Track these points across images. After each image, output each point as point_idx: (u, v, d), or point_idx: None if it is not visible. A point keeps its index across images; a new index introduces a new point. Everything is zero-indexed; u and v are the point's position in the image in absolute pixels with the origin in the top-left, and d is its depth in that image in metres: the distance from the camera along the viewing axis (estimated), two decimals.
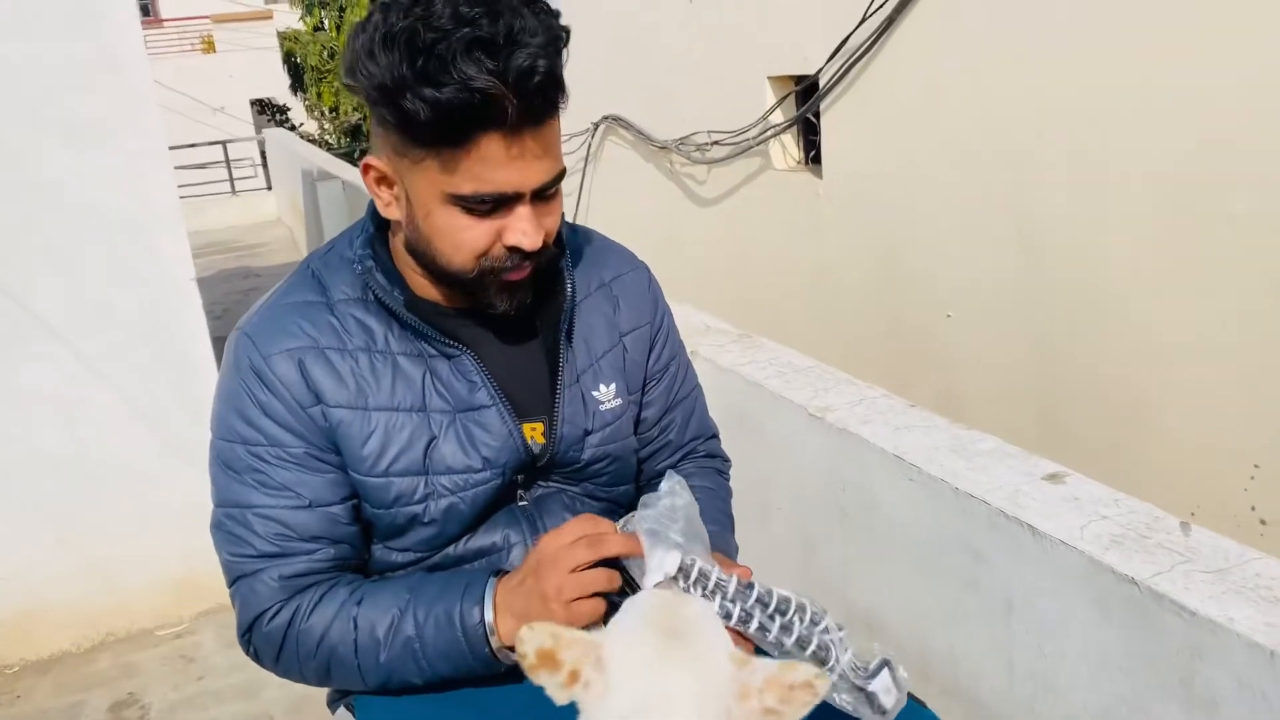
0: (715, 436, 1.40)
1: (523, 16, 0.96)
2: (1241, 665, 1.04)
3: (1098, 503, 1.33)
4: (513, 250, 1.05)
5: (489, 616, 1.05)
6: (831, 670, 0.95)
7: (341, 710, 1.27)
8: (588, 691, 0.80)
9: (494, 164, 0.98)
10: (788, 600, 0.98)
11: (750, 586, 0.98)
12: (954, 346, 4.13)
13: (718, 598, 0.96)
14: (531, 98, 0.96)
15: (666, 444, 1.33)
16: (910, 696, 1.17)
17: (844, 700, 0.95)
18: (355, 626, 1.09)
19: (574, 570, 0.99)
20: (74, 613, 2.97)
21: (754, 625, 0.97)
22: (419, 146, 0.99)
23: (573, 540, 1.01)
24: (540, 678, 0.80)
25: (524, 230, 1.03)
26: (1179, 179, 3.09)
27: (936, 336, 4.21)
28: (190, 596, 3.01)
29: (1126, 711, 1.21)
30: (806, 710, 0.79)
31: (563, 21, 1.02)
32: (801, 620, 0.97)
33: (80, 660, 2.92)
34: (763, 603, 0.97)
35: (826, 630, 0.96)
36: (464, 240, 1.04)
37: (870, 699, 0.95)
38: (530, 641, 0.80)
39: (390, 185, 1.07)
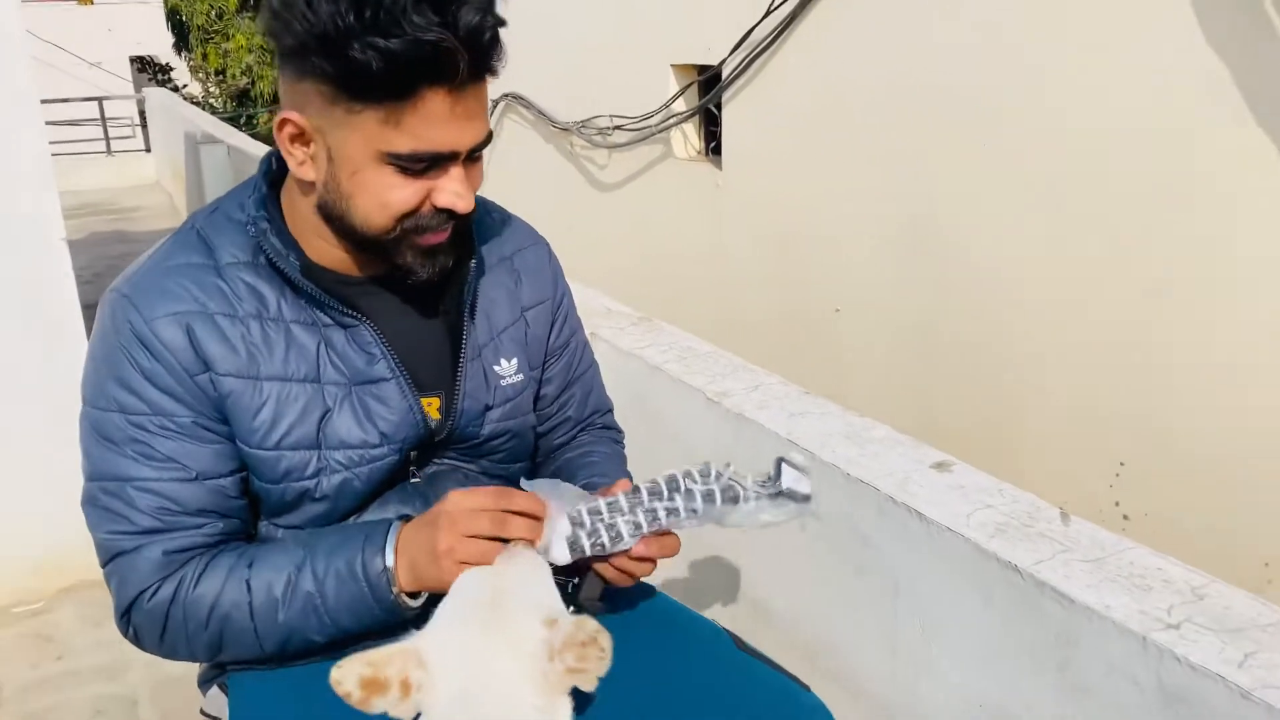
0: (610, 411, 1.40)
1: None
2: (1115, 652, 1.09)
3: (983, 491, 1.36)
4: (440, 211, 1.02)
5: (390, 562, 1.02)
6: (745, 500, 1.01)
7: (214, 690, 1.21)
8: (421, 693, 0.81)
9: (436, 120, 0.96)
10: (673, 477, 1.02)
11: (636, 490, 1.02)
12: (843, 339, 4.22)
13: (620, 519, 1.00)
14: (480, 54, 0.95)
15: (565, 419, 1.32)
16: (794, 680, 1.19)
17: (773, 516, 1.02)
18: (249, 589, 1.04)
19: (471, 536, 0.98)
20: None
21: (664, 518, 1.00)
22: (357, 99, 0.95)
23: (480, 507, 0.99)
24: (376, 706, 0.80)
25: (457, 191, 1.01)
26: (1063, 181, 3.21)
27: (827, 329, 4.30)
28: (51, 573, 2.86)
29: (1004, 696, 1.25)
30: (602, 665, 0.82)
31: None
32: (695, 481, 1.01)
33: None
34: (656, 494, 1.01)
35: (718, 475, 1.02)
36: (391, 199, 1.00)
37: (791, 496, 1.02)
38: (348, 679, 0.80)
39: (307, 143, 1.02)
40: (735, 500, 1.01)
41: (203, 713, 1.25)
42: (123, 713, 2.43)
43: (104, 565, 1.07)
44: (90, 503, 1.06)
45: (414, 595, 1.04)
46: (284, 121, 1.02)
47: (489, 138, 1.04)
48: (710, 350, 1.95)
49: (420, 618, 0.96)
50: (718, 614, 1.77)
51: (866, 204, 4.00)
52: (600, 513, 1.00)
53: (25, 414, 2.76)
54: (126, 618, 1.07)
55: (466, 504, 0.99)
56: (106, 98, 13.11)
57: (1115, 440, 3.17)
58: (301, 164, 1.03)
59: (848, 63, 3.98)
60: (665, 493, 1.00)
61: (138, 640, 1.10)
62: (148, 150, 12.20)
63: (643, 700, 1.08)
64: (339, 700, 0.81)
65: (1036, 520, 1.28)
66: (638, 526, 1.00)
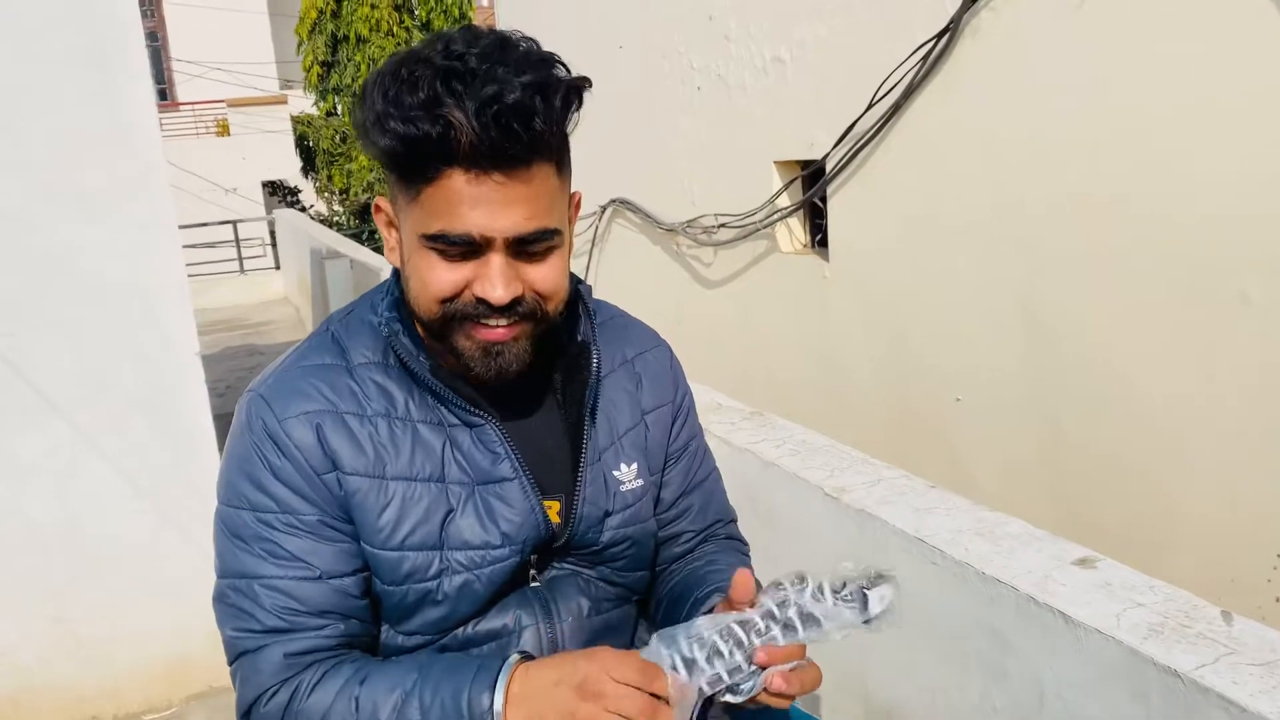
0: (734, 521, 1.35)
1: (517, 61, 0.93)
2: None
3: (1132, 589, 1.27)
4: (480, 301, 1.00)
5: (498, 704, 0.97)
6: (826, 622, 0.97)
7: None
8: None
9: (457, 202, 0.95)
10: (751, 621, 0.98)
11: (728, 633, 0.97)
12: (963, 430, 4.08)
13: (718, 664, 0.97)
14: (491, 129, 0.91)
15: (685, 529, 1.28)
16: None
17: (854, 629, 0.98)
18: (357, 708, 1.02)
19: (613, 712, 0.93)
20: (62, 695, 2.88)
21: (745, 652, 0.97)
22: (400, 183, 0.98)
23: (630, 682, 0.93)
24: None
25: (492, 281, 0.98)
26: (1189, 260, 3.08)
27: (945, 420, 4.16)
28: (180, 678, 2.92)
29: None
30: None
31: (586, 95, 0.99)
32: (776, 620, 0.98)
33: None
34: (739, 636, 0.97)
35: (787, 604, 0.98)
36: (430, 280, 1.00)
37: (881, 619, 0.98)
38: None
39: (394, 228, 1.05)
40: (817, 623, 0.98)
41: None
42: None
43: (230, 663, 1.09)
44: (220, 600, 1.08)
45: None
46: (378, 207, 1.06)
47: (545, 231, 0.99)
48: (826, 443, 1.90)
49: None
50: None
51: (979, 291, 3.91)
52: (699, 666, 0.97)
53: (152, 522, 2.87)
54: (247, 717, 1.07)
55: (616, 672, 0.94)
56: (240, 220, 13.95)
57: (1272, 528, 2.94)
58: (391, 249, 1.07)
59: (953, 151, 3.94)
60: (748, 635, 0.97)
61: None
62: (277, 267, 12.90)
63: None
64: None
65: (1195, 620, 1.18)
66: (736, 667, 0.97)
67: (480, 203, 0.95)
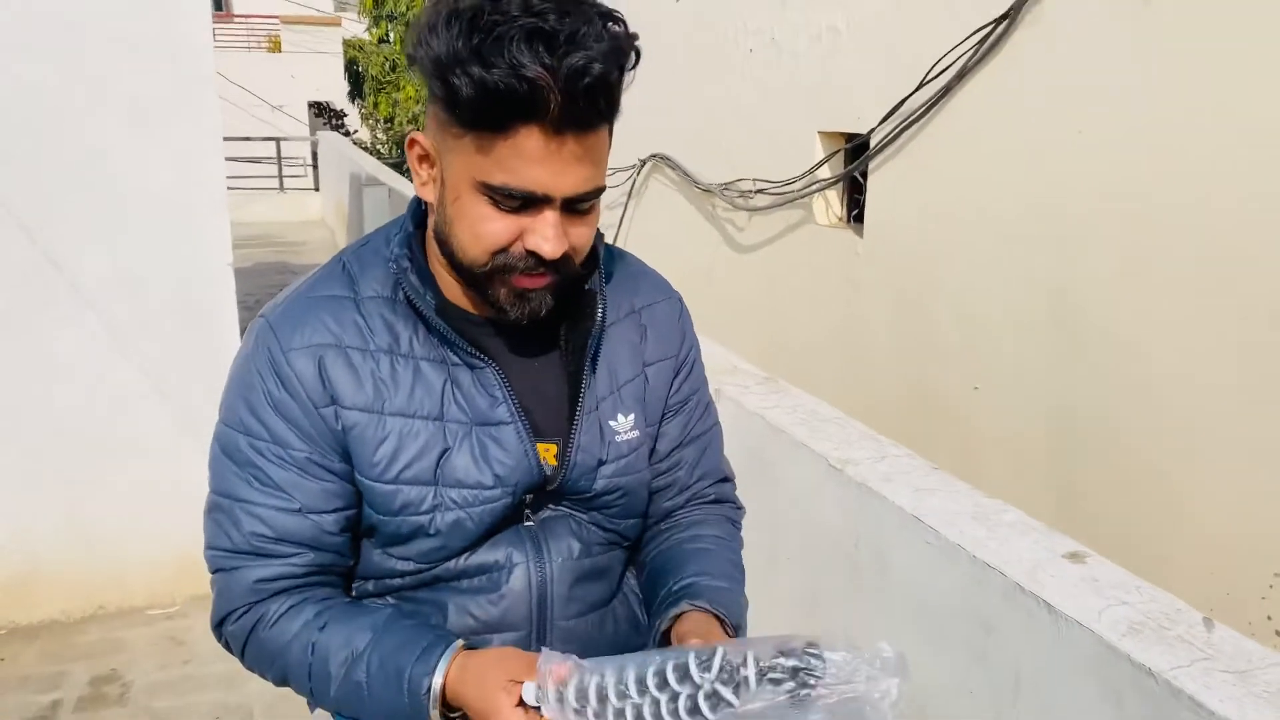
0: (727, 480, 1.35)
1: (592, 23, 0.95)
2: None
3: (1119, 587, 1.29)
4: (530, 254, 1.01)
5: (436, 685, 1.01)
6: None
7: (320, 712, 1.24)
8: None
9: (528, 159, 0.96)
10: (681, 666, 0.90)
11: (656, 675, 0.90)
12: (977, 419, 4.09)
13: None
14: (578, 99, 0.93)
15: (674, 482, 1.28)
16: None
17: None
18: (312, 652, 1.06)
19: None
20: (69, 582, 2.96)
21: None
22: (459, 125, 0.97)
23: None
24: None
25: (545, 236, 1.00)
26: (1225, 272, 3.05)
27: (961, 407, 4.17)
28: (186, 578, 3.00)
29: None
30: None
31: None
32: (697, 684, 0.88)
33: (69, 630, 2.91)
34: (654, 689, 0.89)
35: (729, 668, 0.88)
36: (484, 231, 1.01)
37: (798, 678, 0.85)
38: None
39: (431, 164, 1.05)
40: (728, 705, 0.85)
41: None
42: None
43: (211, 574, 1.13)
44: (207, 513, 1.12)
45: (456, 711, 1.03)
46: (413, 141, 1.06)
47: (598, 190, 1.02)
48: (837, 415, 1.91)
49: None
50: None
51: (1009, 283, 3.89)
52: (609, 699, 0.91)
53: (174, 425, 2.93)
54: (220, 630, 1.13)
55: None
56: (284, 139, 13.97)
57: (1273, 547, 2.95)
58: (424, 185, 1.07)
59: (998, 139, 3.90)
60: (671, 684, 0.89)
61: (229, 650, 1.15)
62: (316, 189, 12.94)
63: None
64: None
65: (1176, 623, 1.20)
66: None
67: (549, 162, 0.96)
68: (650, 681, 0.88)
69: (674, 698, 0.87)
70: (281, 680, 1.12)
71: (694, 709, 0.85)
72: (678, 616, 1.11)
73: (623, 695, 0.89)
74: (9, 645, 2.84)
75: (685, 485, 1.29)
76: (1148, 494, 3.33)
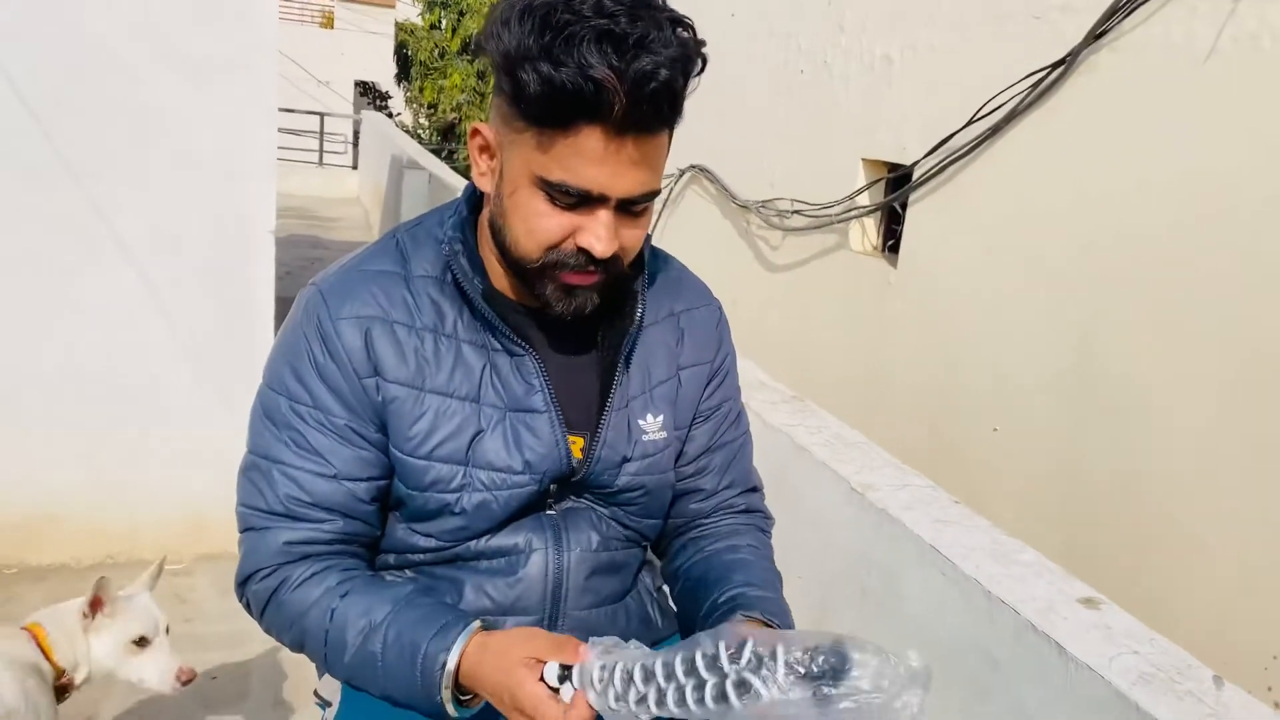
0: (756, 490, 1.35)
1: (662, 28, 0.96)
2: None
3: (1131, 637, 1.29)
4: (581, 251, 1.03)
5: (451, 664, 1.02)
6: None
7: (327, 678, 1.26)
8: None
9: (588, 158, 0.97)
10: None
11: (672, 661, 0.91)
12: (995, 461, 4.08)
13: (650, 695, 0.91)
14: (643, 102, 0.95)
15: (701, 487, 1.29)
16: None
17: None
18: (331, 619, 1.08)
19: None
20: (80, 529, 2.99)
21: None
22: (523, 119, 0.99)
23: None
24: None
25: (598, 235, 1.01)
26: (1254, 334, 3.04)
27: (978, 447, 4.16)
28: (196, 537, 3.03)
29: None
30: None
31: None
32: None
33: (76, 576, 2.94)
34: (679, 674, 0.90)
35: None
36: (537, 226, 1.02)
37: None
38: None
39: (491, 155, 1.07)
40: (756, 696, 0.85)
41: (316, 693, 1.30)
42: (236, 682, 2.54)
43: (240, 532, 1.15)
44: (243, 472, 1.14)
45: (467, 695, 1.03)
46: (475, 131, 1.08)
47: (654, 193, 1.03)
48: (861, 440, 1.92)
49: None
50: None
51: (1037, 326, 3.88)
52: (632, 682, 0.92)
53: (198, 386, 2.96)
54: (242, 589, 1.15)
55: (528, 708, 0.95)
56: (328, 114, 14.09)
57: (1276, 625, 2.93)
58: (482, 175, 1.09)
59: (1040, 184, 3.90)
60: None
61: (249, 610, 1.17)
62: (354, 167, 13.02)
63: None
64: None
65: (1186, 677, 1.20)
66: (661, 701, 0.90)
67: (609, 162, 0.98)
68: (679, 668, 0.89)
69: (700, 685, 0.87)
70: (298, 644, 1.13)
71: (720, 696, 0.85)
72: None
73: (649, 679, 0.90)
74: (16, 585, 2.87)
75: (712, 491, 1.29)
76: (1157, 552, 3.32)
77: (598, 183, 0.99)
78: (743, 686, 0.84)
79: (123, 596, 1.82)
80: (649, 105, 0.95)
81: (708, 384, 1.27)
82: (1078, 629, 1.30)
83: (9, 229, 2.74)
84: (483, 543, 1.16)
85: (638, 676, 0.91)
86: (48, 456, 2.91)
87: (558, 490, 1.17)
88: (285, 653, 2.44)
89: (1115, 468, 3.51)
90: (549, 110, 0.96)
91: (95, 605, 1.77)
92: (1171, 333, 3.31)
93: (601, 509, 1.21)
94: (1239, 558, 3.08)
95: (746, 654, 0.85)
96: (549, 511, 1.19)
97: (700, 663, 0.88)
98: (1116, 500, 3.50)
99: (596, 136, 0.96)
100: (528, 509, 1.16)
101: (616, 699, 0.91)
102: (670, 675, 0.89)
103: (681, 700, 0.88)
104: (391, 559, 1.20)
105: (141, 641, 1.78)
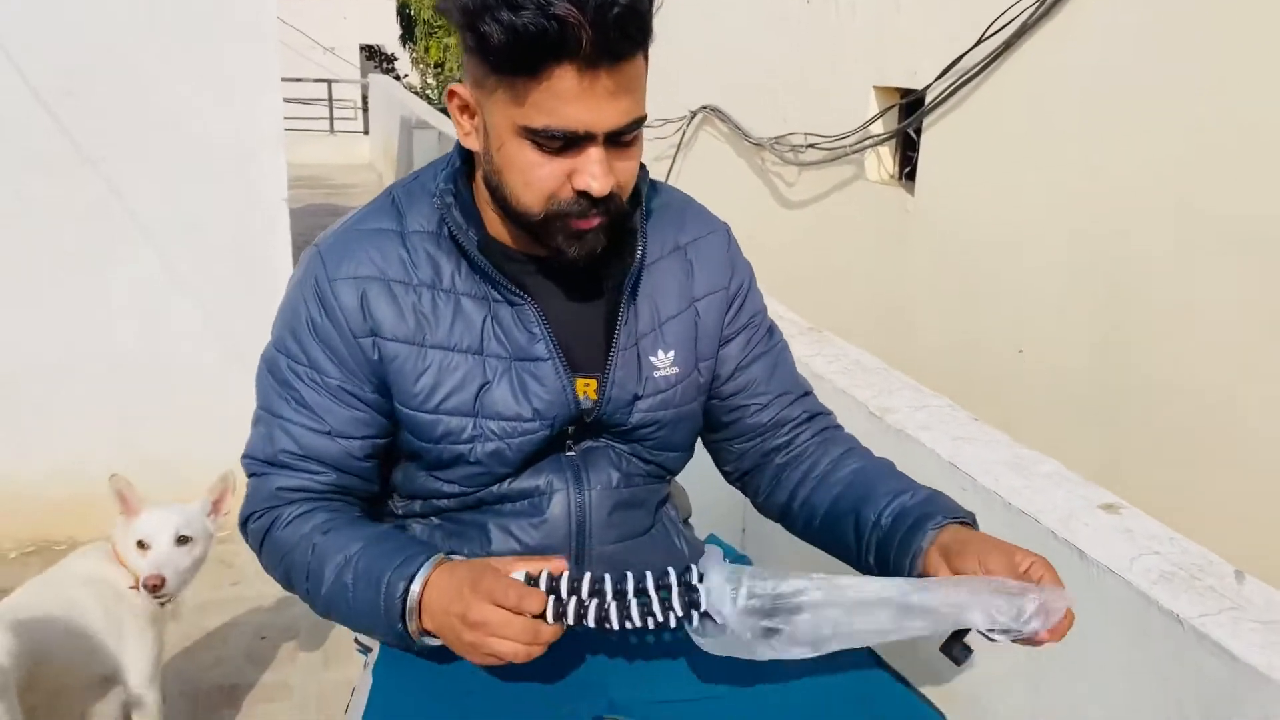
0: (809, 394, 1.34)
1: None
2: (1276, 715, 1.02)
3: (1152, 538, 1.30)
4: (581, 195, 1.03)
5: (414, 594, 1.02)
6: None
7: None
8: None
9: (566, 98, 0.96)
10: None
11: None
12: (1022, 381, 4.07)
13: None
14: (608, 30, 0.93)
15: (752, 402, 1.28)
16: (927, 702, 1.17)
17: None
18: (312, 553, 1.11)
19: (498, 638, 0.97)
20: None
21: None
22: (494, 74, 0.98)
23: (508, 607, 0.96)
24: None
25: (593, 174, 1.01)
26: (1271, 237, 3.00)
27: (1004, 369, 4.15)
28: (234, 507, 3.09)
29: None
30: None
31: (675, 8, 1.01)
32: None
33: None
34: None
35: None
36: (533, 178, 1.02)
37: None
38: None
39: (472, 114, 1.07)
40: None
41: (356, 640, 1.34)
42: (284, 640, 2.61)
43: (246, 478, 1.20)
44: (252, 424, 1.19)
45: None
46: (452, 93, 1.08)
47: (640, 120, 1.03)
48: (878, 365, 1.93)
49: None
50: None
51: (1061, 246, 3.84)
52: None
53: (224, 360, 3.01)
54: (243, 529, 1.20)
55: (501, 623, 0.96)
56: (335, 80, 14.05)
57: None
58: (467, 134, 1.09)
59: (1058, 101, 3.84)
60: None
61: (252, 547, 1.21)
62: (366, 132, 13.00)
63: (770, 700, 1.12)
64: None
65: (1207, 574, 1.21)
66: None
67: (586, 98, 0.97)
68: (628, 586, 0.98)
69: (647, 603, 0.97)
70: (286, 580, 1.16)
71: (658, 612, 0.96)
72: (928, 544, 1.09)
73: (599, 593, 0.98)
74: None
75: (765, 403, 1.28)
76: (1186, 463, 3.31)
77: (581, 120, 0.98)
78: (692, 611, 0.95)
79: (149, 504, 1.95)
80: (616, 32, 0.94)
81: (728, 309, 1.27)
82: (1099, 534, 1.31)
83: (36, 222, 2.79)
84: (505, 486, 1.18)
85: (600, 588, 0.98)
86: (89, 439, 2.99)
87: (575, 432, 1.19)
88: None
89: (1145, 381, 3.50)
90: (517, 58, 0.95)
91: (123, 506, 1.93)
92: (1207, 262, 3.27)
93: (620, 446, 1.22)
94: (1265, 460, 3.07)
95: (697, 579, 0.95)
96: (569, 453, 1.20)
97: (649, 582, 0.97)
98: (1148, 413, 3.49)
99: (570, 75, 0.95)
100: (545, 451, 1.18)
101: (574, 606, 0.97)
102: (621, 593, 0.97)
103: (624, 610, 0.97)
104: (418, 506, 1.23)
105: (141, 545, 1.90)
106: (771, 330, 1.33)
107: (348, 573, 1.08)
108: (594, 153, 1.01)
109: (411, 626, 1.03)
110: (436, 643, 1.04)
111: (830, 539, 1.23)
